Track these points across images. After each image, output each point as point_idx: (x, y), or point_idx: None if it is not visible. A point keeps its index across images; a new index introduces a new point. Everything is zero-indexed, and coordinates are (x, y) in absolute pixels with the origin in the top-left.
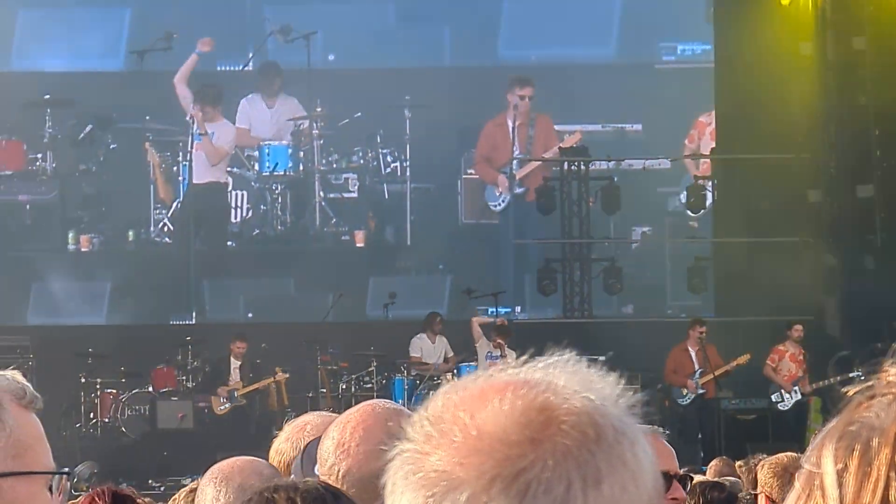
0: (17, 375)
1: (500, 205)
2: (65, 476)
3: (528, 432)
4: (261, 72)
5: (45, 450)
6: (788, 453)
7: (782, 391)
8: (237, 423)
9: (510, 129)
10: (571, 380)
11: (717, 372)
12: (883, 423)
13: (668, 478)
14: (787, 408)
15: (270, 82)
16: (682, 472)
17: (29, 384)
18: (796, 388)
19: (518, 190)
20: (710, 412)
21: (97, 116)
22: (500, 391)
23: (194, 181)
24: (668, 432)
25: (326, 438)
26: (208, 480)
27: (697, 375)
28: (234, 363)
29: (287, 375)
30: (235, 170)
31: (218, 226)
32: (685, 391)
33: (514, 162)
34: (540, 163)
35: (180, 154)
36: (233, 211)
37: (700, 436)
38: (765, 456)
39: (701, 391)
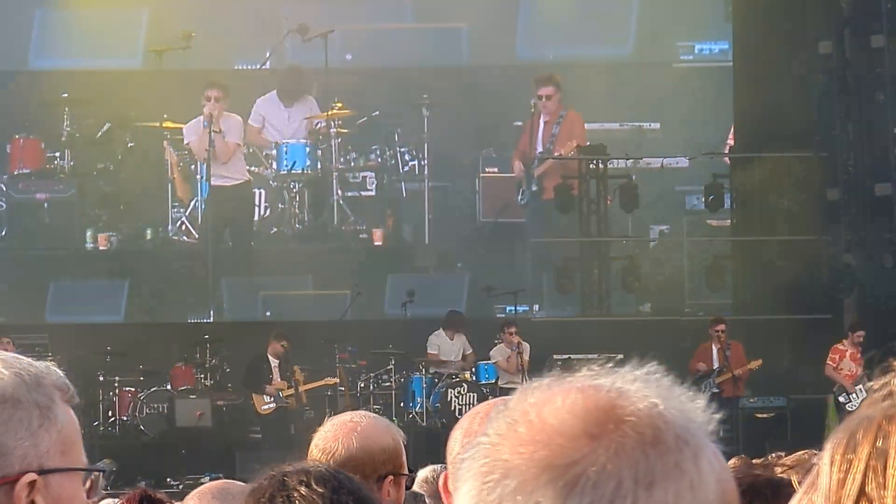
0: (57, 369)
1: (522, 199)
2: (102, 473)
3: (586, 427)
4: (285, 77)
5: (82, 446)
6: (806, 451)
7: (847, 392)
8: (254, 423)
9: (538, 127)
10: (649, 389)
11: (739, 372)
12: (871, 416)
13: None
14: (854, 408)
15: (296, 88)
16: None
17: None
18: (860, 386)
19: (534, 188)
20: (731, 411)
21: (115, 115)
22: (569, 390)
23: (214, 180)
24: None
25: (457, 430)
26: None
27: (714, 375)
28: (273, 362)
29: (337, 380)
30: (253, 168)
31: (245, 225)
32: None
33: (536, 160)
34: (556, 161)
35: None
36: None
37: (720, 434)
38: (783, 454)
39: (715, 390)
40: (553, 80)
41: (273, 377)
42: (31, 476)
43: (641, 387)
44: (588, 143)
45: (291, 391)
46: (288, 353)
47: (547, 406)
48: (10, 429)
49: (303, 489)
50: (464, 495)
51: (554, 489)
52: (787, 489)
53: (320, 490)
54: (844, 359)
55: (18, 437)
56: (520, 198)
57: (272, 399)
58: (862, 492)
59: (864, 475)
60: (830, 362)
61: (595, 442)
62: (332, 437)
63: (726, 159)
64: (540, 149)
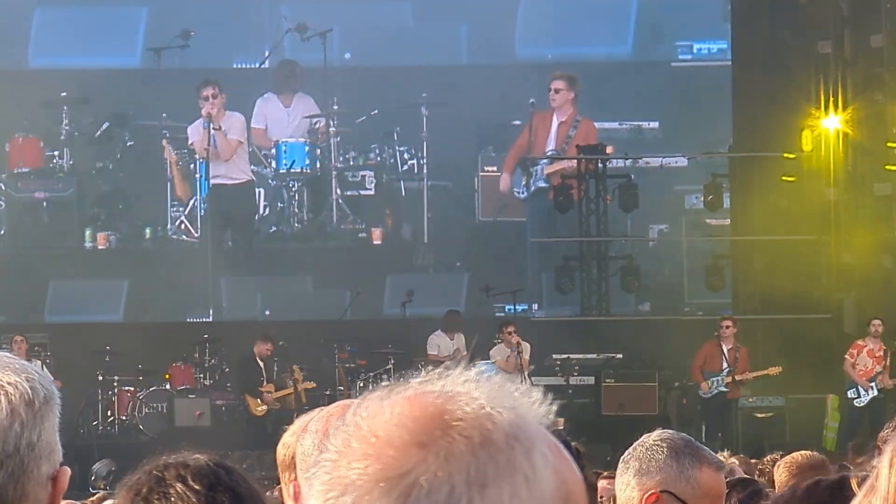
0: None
1: (523, 193)
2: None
3: (414, 437)
4: (278, 70)
5: None
6: (804, 452)
7: (859, 387)
8: (252, 421)
9: (551, 124)
10: (482, 390)
11: (740, 377)
12: None
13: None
14: (862, 404)
15: (288, 80)
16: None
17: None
18: (873, 384)
19: (543, 184)
20: (730, 411)
21: (114, 114)
22: (397, 401)
23: (216, 179)
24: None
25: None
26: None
27: (724, 374)
28: (261, 364)
29: (314, 385)
30: (253, 167)
31: (247, 224)
32: (703, 389)
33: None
34: (566, 163)
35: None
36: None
37: (720, 434)
38: (780, 455)
39: (724, 390)
40: (565, 76)
41: (263, 379)
42: (67, 470)
43: (471, 388)
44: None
45: (281, 393)
46: (274, 356)
47: (376, 419)
48: (55, 425)
49: (179, 486)
50: None
51: (388, 501)
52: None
53: (196, 487)
54: (861, 354)
55: (56, 433)
56: (518, 191)
57: (265, 401)
58: None
59: None
60: (849, 357)
61: (424, 450)
62: (291, 433)
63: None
64: (553, 147)
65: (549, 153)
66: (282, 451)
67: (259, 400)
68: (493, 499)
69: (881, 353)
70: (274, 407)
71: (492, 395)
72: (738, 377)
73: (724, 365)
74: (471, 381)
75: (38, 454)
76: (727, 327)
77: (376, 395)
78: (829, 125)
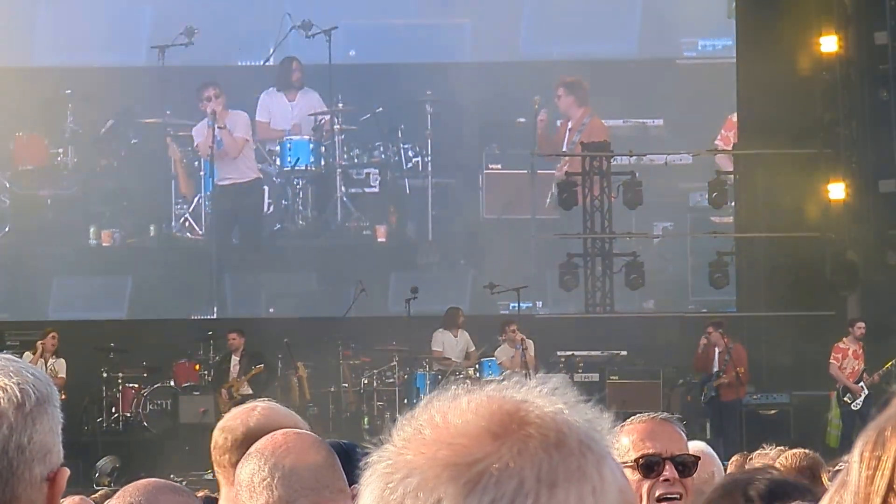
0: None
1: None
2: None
3: (490, 427)
4: (279, 67)
5: None
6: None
7: (852, 392)
8: None
9: (546, 133)
10: (558, 399)
11: (721, 381)
12: None
13: (658, 460)
14: (859, 406)
15: (288, 77)
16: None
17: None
18: (862, 383)
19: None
20: (730, 411)
21: (118, 112)
22: (476, 395)
23: (223, 177)
24: (684, 421)
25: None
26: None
27: (713, 379)
28: (234, 360)
29: (308, 370)
30: (258, 165)
31: (255, 222)
32: (703, 391)
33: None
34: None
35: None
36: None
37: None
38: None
39: (713, 394)
40: (566, 81)
41: (231, 375)
42: (66, 471)
43: (548, 396)
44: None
45: (247, 377)
46: (248, 347)
47: (452, 409)
48: (52, 427)
49: None
50: (366, 498)
51: (455, 486)
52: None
53: None
54: (847, 357)
55: (54, 434)
56: (549, 200)
57: (228, 398)
58: (890, 488)
59: (893, 472)
60: (834, 361)
61: (498, 441)
62: (233, 416)
63: (729, 156)
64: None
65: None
66: (220, 434)
67: (224, 395)
68: (560, 500)
69: (861, 350)
70: (244, 394)
71: (567, 403)
72: (723, 381)
73: (716, 368)
74: (547, 391)
75: (30, 456)
76: (709, 333)
77: (450, 393)
78: None
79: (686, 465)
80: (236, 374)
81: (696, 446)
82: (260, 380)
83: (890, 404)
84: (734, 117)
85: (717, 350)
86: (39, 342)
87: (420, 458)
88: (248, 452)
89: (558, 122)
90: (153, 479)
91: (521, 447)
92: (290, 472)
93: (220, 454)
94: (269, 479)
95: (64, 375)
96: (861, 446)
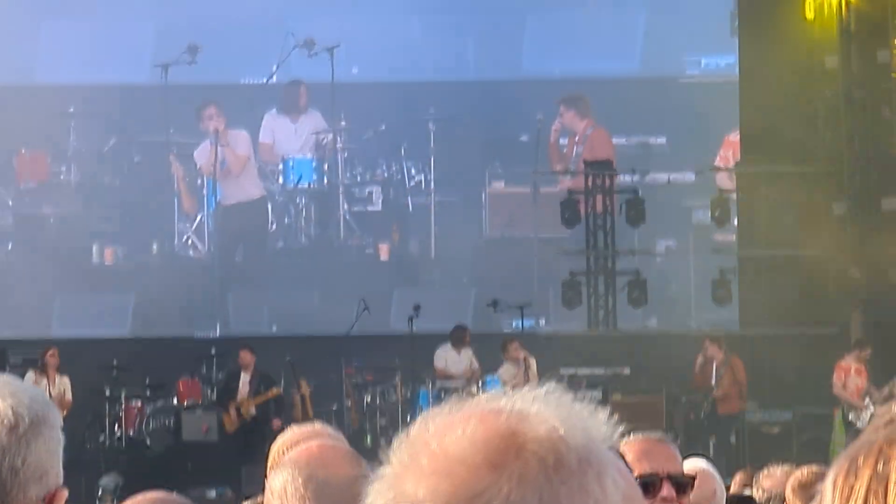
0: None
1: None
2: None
3: (488, 457)
4: (286, 90)
5: None
6: (807, 468)
7: (856, 409)
8: (258, 436)
9: (558, 143)
10: (553, 410)
11: (715, 394)
12: (872, 441)
13: (656, 479)
14: (864, 424)
15: (295, 100)
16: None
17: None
18: (867, 400)
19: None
20: (726, 425)
21: (121, 129)
22: (469, 418)
23: (227, 196)
24: (678, 440)
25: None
26: None
27: (711, 392)
28: (244, 377)
29: (311, 388)
30: (261, 182)
31: (259, 240)
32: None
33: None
34: (569, 178)
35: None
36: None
37: (726, 449)
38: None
39: (710, 408)
40: (568, 100)
41: (240, 392)
42: (65, 492)
43: (541, 408)
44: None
45: (257, 400)
46: (258, 365)
47: (447, 435)
48: (48, 449)
49: None
50: None
51: None
52: None
53: None
54: (850, 375)
55: (53, 455)
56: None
57: (236, 416)
58: None
59: (866, 500)
60: (837, 380)
61: (497, 472)
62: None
63: (732, 174)
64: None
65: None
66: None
67: (230, 414)
68: None
69: (864, 368)
70: (252, 415)
71: (562, 415)
72: (718, 393)
73: (714, 382)
74: (540, 398)
75: (24, 478)
76: (706, 348)
77: (443, 411)
78: None
79: (682, 485)
80: (246, 393)
81: (696, 464)
82: (270, 403)
83: (862, 432)
84: (731, 137)
85: (714, 364)
86: (42, 361)
87: (421, 490)
88: (281, 462)
89: (563, 140)
90: (160, 493)
91: (521, 476)
92: (323, 483)
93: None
94: (302, 490)
95: (70, 397)
96: (834, 474)
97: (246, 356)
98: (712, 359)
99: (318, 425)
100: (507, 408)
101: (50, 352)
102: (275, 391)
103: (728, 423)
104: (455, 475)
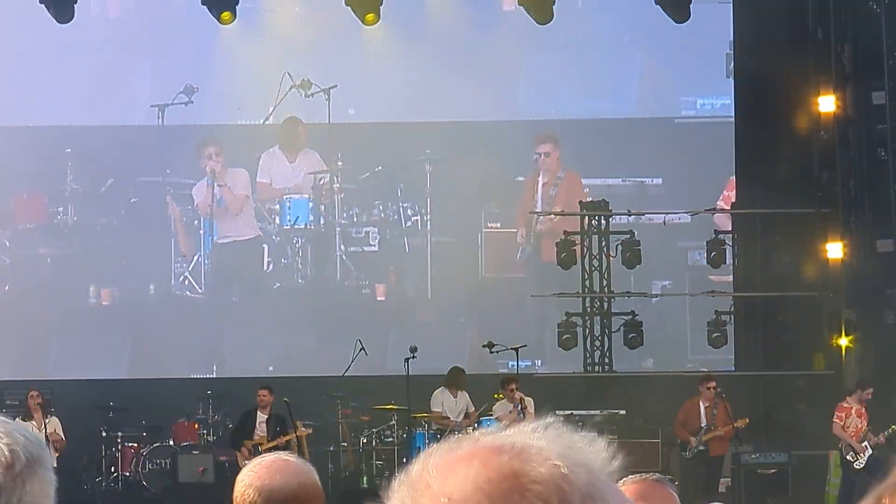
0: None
1: (521, 257)
2: None
3: (491, 500)
4: (283, 128)
5: None
6: None
7: (855, 451)
8: None
9: (537, 186)
10: (553, 445)
11: (715, 434)
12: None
13: None
14: (861, 465)
15: (294, 138)
16: None
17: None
18: (865, 443)
19: (528, 250)
20: (714, 468)
21: (118, 170)
22: (470, 458)
23: (223, 235)
24: (676, 482)
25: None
26: None
27: (702, 432)
28: (261, 417)
29: (309, 430)
30: (257, 223)
31: (254, 280)
32: (689, 446)
33: (538, 217)
34: (557, 219)
35: (202, 212)
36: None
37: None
38: None
39: (701, 448)
40: (552, 137)
41: (257, 432)
42: None
43: (543, 444)
44: (590, 199)
45: (270, 444)
46: (274, 406)
47: (449, 477)
48: (43, 490)
49: None
50: None
51: None
52: None
53: None
54: (850, 416)
55: (46, 496)
56: (518, 256)
57: (251, 455)
58: None
59: None
60: (837, 420)
61: None
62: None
63: (728, 216)
64: (539, 209)
65: (533, 212)
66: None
67: (245, 453)
68: None
69: (864, 410)
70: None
71: (562, 450)
72: (724, 431)
73: (704, 423)
74: (539, 432)
75: None
76: (709, 388)
77: (443, 450)
78: None
79: None
80: (264, 433)
81: None
82: (288, 445)
83: (891, 472)
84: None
85: (702, 405)
86: (27, 404)
87: None
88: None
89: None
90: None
91: None
92: (276, 489)
93: None
94: (253, 497)
95: (62, 436)
96: None
97: (265, 396)
98: (700, 400)
99: (280, 453)
100: (509, 446)
101: (32, 393)
102: (292, 434)
103: (713, 461)
104: None
